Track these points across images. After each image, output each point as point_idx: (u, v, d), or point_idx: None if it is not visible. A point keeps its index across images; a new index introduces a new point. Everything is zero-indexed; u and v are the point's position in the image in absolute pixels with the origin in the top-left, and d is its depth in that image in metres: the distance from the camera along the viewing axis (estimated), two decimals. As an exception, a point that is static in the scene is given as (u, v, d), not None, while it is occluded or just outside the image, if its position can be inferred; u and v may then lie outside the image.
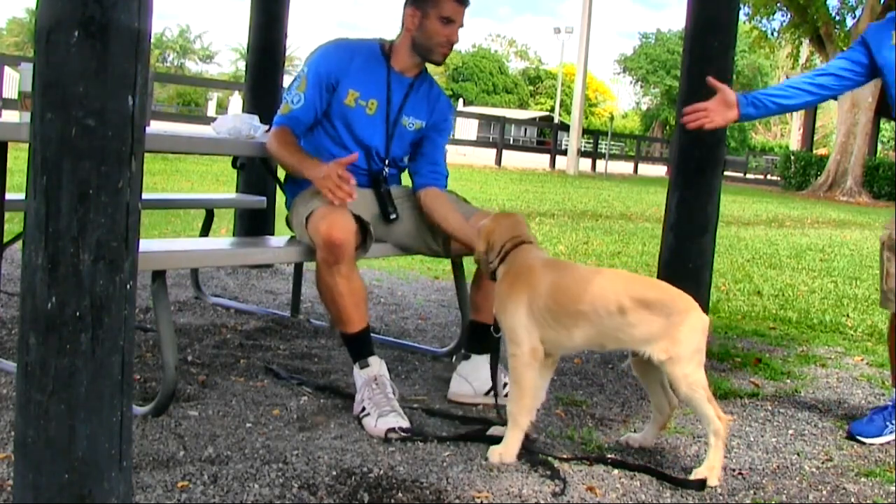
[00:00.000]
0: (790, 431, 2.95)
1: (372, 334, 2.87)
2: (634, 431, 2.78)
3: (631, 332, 2.40)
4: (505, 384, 2.95)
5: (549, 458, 2.45)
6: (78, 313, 1.57)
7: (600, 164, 27.89)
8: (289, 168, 3.03)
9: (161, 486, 2.09)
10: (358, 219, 2.84)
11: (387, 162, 3.12)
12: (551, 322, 2.44)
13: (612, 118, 38.99)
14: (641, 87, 72.57)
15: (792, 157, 27.57)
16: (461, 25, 3.02)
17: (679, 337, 2.38)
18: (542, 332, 2.45)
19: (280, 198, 3.46)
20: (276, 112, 3.07)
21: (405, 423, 2.57)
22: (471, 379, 2.98)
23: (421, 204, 3.09)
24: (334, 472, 2.23)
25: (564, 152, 26.75)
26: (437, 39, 3.00)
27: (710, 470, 2.39)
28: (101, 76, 1.54)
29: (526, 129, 59.84)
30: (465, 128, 45.18)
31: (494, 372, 2.78)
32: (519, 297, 2.45)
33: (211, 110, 44.98)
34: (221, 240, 4.67)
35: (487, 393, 2.96)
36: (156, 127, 7.00)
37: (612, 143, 34.16)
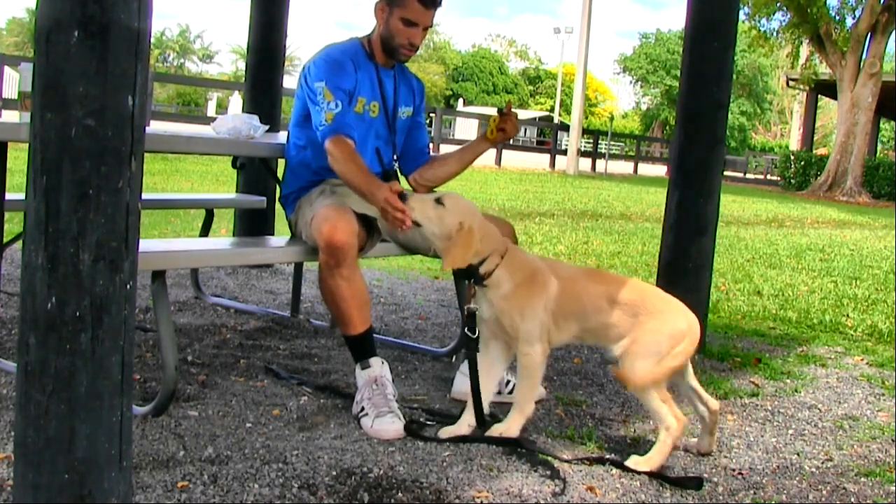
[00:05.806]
0: (790, 431, 2.95)
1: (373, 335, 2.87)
2: (634, 432, 2.79)
3: (607, 332, 2.54)
4: (508, 381, 2.97)
5: (549, 458, 2.45)
6: (78, 313, 1.57)
7: (600, 164, 27.90)
8: (355, 187, 2.81)
9: (161, 486, 2.09)
10: (364, 217, 2.84)
11: (395, 157, 3.16)
12: (550, 321, 2.59)
13: (612, 118, 39.08)
14: (641, 87, 72.59)
15: (792, 157, 27.58)
16: (428, 27, 3.01)
17: (637, 335, 2.48)
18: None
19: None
20: (321, 126, 2.86)
21: (401, 425, 2.58)
22: None
23: (420, 179, 3.19)
24: (334, 472, 2.23)
25: (564, 152, 26.72)
26: (399, 40, 2.99)
27: (647, 461, 2.42)
28: (101, 76, 1.54)
29: (526, 129, 59.84)
30: (465, 128, 45.17)
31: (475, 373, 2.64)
32: (538, 303, 2.56)
33: (211, 110, 45.01)
34: (221, 240, 4.67)
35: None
36: (156, 127, 6.99)
37: (612, 143, 34.18)
